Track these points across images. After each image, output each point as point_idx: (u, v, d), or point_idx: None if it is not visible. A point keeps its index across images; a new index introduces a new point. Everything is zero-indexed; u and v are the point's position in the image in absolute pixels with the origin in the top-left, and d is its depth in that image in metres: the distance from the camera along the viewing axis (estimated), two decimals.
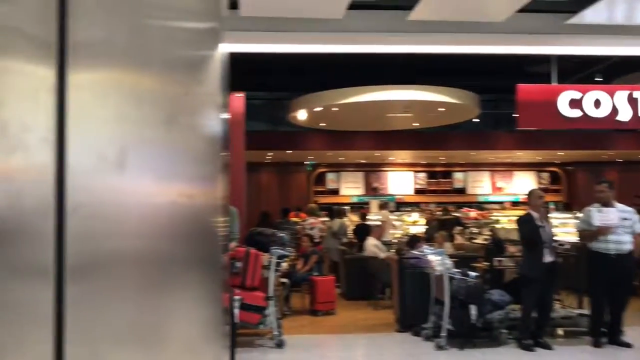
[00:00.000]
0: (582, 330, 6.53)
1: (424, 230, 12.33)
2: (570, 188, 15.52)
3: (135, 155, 1.28)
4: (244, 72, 7.40)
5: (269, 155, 14.20)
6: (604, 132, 13.51)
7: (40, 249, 1.15)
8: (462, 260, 7.59)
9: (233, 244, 5.84)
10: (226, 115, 1.80)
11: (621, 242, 6.08)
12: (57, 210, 1.19)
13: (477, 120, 12.31)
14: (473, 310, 6.21)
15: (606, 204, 6.25)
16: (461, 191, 15.78)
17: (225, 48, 1.77)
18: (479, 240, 11.48)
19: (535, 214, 6.28)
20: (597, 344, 6.16)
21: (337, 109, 9.71)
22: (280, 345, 6.22)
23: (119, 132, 1.27)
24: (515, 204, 14.83)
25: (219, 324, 1.56)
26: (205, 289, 1.53)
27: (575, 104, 7.92)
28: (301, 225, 11.55)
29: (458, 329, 6.22)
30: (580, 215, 7.07)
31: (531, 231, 6.18)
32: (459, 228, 12.01)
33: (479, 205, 14.67)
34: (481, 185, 15.75)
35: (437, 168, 15.91)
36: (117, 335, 1.25)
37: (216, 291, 1.57)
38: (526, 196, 6.85)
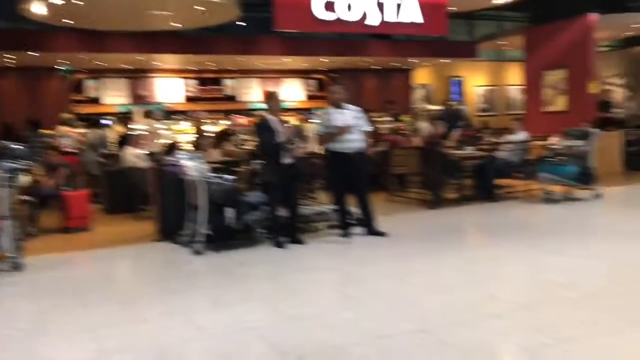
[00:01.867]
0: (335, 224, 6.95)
1: (195, 138, 12.01)
2: None
3: None
4: None
5: (11, 58, 12.32)
6: (362, 38, 14.26)
7: None
8: (227, 166, 7.50)
9: None
10: None
11: (356, 140, 6.48)
12: None
13: (244, 23, 12.02)
14: (229, 213, 6.20)
15: (341, 105, 6.55)
16: (232, 98, 15.61)
17: None
18: (249, 147, 11.53)
19: (272, 118, 6.33)
20: (345, 235, 6.62)
21: (81, 2, 8.53)
22: (17, 267, 5.56)
23: None
24: (284, 110, 15.08)
25: None
26: None
27: (329, 6, 8.04)
28: (54, 137, 10.43)
29: (216, 233, 6.18)
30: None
31: (268, 136, 6.21)
32: (228, 136, 11.88)
33: (250, 113, 14.70)
34: (251, 92, 15.74)
35: (207, 75, 15.43)
36: None
37: None
38: (265, 99, 6.76)
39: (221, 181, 6.24)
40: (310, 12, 8.02)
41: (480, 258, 5.62)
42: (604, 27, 12.41)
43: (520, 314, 3.93)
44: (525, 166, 9.17)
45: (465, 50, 16.11)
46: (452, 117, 12.56)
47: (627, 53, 15.79)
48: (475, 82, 18.44)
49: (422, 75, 17.72)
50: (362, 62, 15.30)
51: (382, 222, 6.89)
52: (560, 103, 12.23)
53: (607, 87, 14.74)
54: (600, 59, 14.70)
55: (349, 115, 6.47)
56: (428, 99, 17.53)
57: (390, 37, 14.53)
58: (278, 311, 4.16)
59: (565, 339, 3.41)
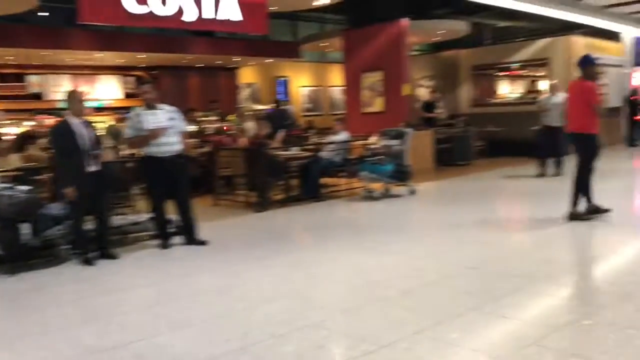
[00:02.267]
0: (154, 234, 6.46)
1: None
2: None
3: None
4: None
5: None
6: (182, 34, 13.68)
7: None
8: (27, 173, 6.62)
9: None
10: None
11: (172, 143, 6.06)
12: None
13: (46, 14, 10.80)
14: (25, 228, 5.44)
15: (152, 105, 6.10)
16: (38, 96, 14.04)
17: None
18: None
19: (74, 120, 5.66)
20: (164, 246, 6.17)
21: None
22: None
23: None
24: (99, 109, 14.02)
25: None
26: None
27: (142, 0, 7.46)
28: None
29: (9, 253, 5.38)
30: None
31: (66, 140, 5.53)
32: (32, 138, 10.63)
33: (59, 112, 13.31)
34: (61, 90, 14.29)
35: (7, 70, 13.69)
36: None
37: None
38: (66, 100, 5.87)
39: (13, 192, 5.43)
40: (121, 4, 7.36)
41: (304, 261, 5.53)
42: (415, 32, 13.24)
43: (342, 320, 3.86)
44: (347, 165, 9.41)
45: (289, 51, 16.26)
46: (279, 117, 12.58)
47: (436, 57, 17.10)
48: (301, 83, 18.73)
49: (248, 75, 17.57)
50: (185, 59, 14.70)
51: (206, 228, 6.56)
52: (377, 104, 12.81)
53: (431, 88, 15.82)
54: (413, 62, 15.72)
55: (162, 116, 6.01)
56: (254, 99, 17.43)
57: (212, 34, 14.13)
58: (77, 343, 3.63)
59: (387, 343, 3.37)
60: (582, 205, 6.50)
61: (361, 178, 9.07)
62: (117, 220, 6.38)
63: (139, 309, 4.29)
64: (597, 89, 6.51)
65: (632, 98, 16.08)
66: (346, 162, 9.43)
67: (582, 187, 6.47)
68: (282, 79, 18.26)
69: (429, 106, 13.89)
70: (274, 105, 13.79)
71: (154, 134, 5.89)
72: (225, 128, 12.29)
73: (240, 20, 8.23)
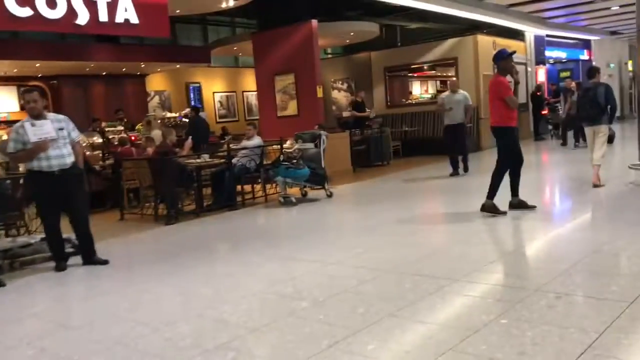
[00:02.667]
0: (48, 255, 5.90)
1: None
2: (56, 103, 14.49)
3: None
4: None
5: None
6: (85, 40, 12.92)
7: None
8: None
9: None
10: None
11: (63, 155, 5.56)
12: None
13: None
14: None
15: (39, 115, 5.57)
16: None
17: None
18: None
19: None
20: (59, 268, 5.64)
21: None
22: None
23: None
24: None
25: None
26: None
27: (25, 1, 6.85)
28: None
29: None
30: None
31: None
32: None
33: None
34: None
35: None
36: None
37: None
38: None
39: None
40: (2, 7, 6.73)
41: (213, 276, 5.19)
42: (326, 34, 13.14)
43: (251, 338, 3.55)
44: (262, 171, 9.13)
45: (199, 56, 15.76)
46: (201, 125, 12.15)
47: (349, 59, 17.11)
48: (214, 88, 18.24)
49: (158, 82, 16.89)
50: (87, 67, 13.87)
51: (109, 245, 6.11)
52: (291, 107, 12.60)
53: (357, 89, 15.79)
54: (327, 65, 15.64)
55: (49, 127, 5.47)
56: (165, 106, 16.78)
57: (117, 40, 13.43)
58: None
59: None
60: (497, 199, 6.53)
61: (277, 183, 8.81)
62: (4, 243, 5.78)
63: (23, 343, 3.79)
64: (508, 83, 6.53)
65: (537, 94, 16.75)
66: (261, 168, 9.14)
67: (513, 180, 6.56)
68: (195, 85, 17.70)
69: (359, 106, 13.91)
70: (192, 112, 13.26)
71: (40, 146, 5.35)
72: (132, 138, 11.67)
73: (137, 23, 7.75)
